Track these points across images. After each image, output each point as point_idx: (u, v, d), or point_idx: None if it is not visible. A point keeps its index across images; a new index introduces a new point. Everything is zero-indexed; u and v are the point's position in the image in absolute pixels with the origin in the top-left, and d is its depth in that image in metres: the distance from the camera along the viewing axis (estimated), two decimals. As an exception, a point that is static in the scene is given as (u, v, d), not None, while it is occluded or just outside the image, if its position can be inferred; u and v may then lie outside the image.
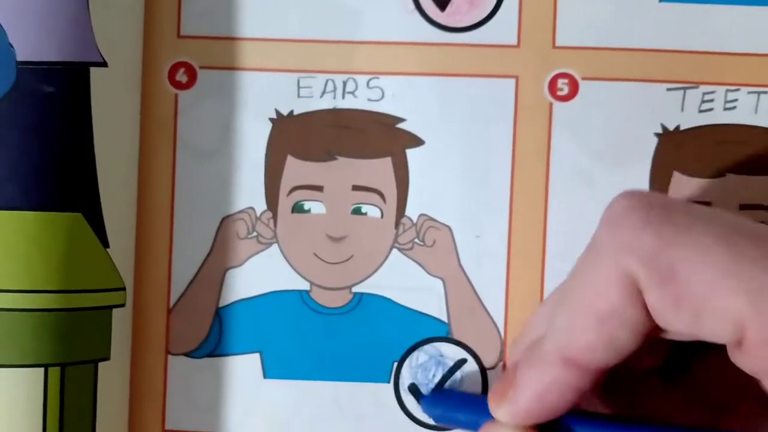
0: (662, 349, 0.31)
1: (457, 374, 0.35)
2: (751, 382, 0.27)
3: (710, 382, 0.31)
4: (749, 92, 0.35)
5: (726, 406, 0.30)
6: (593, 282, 0.27)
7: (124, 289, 0.34)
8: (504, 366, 0.35)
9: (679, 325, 0.26)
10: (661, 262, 0.25)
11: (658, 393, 0.31)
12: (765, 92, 0.34)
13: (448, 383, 0.35)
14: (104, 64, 0.33)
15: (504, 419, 0.29)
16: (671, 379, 0.31)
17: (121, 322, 0.34)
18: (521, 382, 0.29)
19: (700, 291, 0.25)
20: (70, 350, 0.32)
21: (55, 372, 0.32)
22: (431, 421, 0.35)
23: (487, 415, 0.30)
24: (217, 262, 0.35)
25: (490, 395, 0.30)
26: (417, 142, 0.35)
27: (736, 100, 0.35)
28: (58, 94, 0.32)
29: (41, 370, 0.32)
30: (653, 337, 0.27)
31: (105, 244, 0.33)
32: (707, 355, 0.30)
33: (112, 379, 0.33)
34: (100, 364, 0.33)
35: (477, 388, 0.35)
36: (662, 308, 0.26)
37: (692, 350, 0.31)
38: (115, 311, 0.34)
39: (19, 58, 0.32)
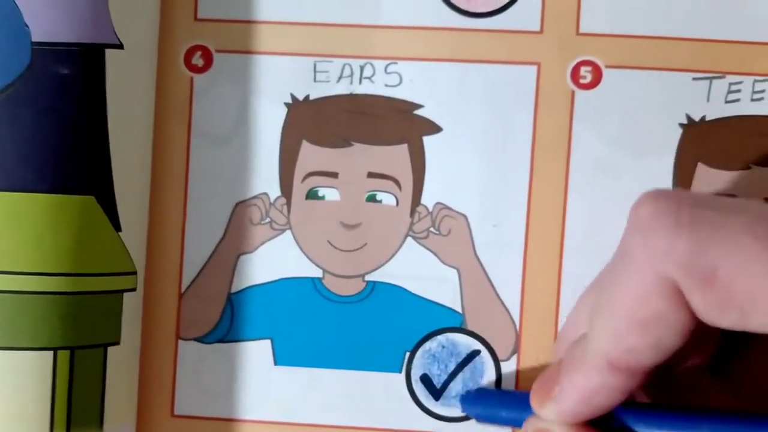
0: (710, 347, 0.30)
1: (470, 366, 0.34)
2: None
3: (758, 373, 0.30)
4: (778, 83, 0.34)
5: None
6: (632, 290, 0.26)
7: (135, 273, 0.34)
8: (519, 358, 0.34)
9: (726, 322, 0.26)
10: (699, 265, 0.25)
11: (706, 388, 0.31)
12: (795, 83, 0.33)
13: (459, 374, 0.34)
14: (120, 46, 0.33)
15: (550, 418, 0.29)
16: (719, 374, 0.31)
17: (131, 306, 0.34)
18: (567, 383, 0.28)
19: (745, 290, 0.25)
20: (80, 334, 0.32)
21: (64, 355, 0.32)
22: (444, 413, 0.34)
23: (529, 411, 0.30)
24: (229, 248, 0.35)
25: (532, 393, 0.30)
26: (435, 129, 0.35)
27: (763, 90, 0.34)
28: (73, 76, 0.32)
29: (50, 353, 0.32)
30: (700, 338, 0.27)
31: (117, 227, 0.33)
32: (752, 348, 0.30)
33: (121, 364, 0.33)
34: (110, 348, 0.33)
35: (491, 380, 0.34)
36: (707, 310, 0.25)
37: (737, 344, 0.30)
38: (126, 295, 0.33)
39: (35, 38, 0.32)
